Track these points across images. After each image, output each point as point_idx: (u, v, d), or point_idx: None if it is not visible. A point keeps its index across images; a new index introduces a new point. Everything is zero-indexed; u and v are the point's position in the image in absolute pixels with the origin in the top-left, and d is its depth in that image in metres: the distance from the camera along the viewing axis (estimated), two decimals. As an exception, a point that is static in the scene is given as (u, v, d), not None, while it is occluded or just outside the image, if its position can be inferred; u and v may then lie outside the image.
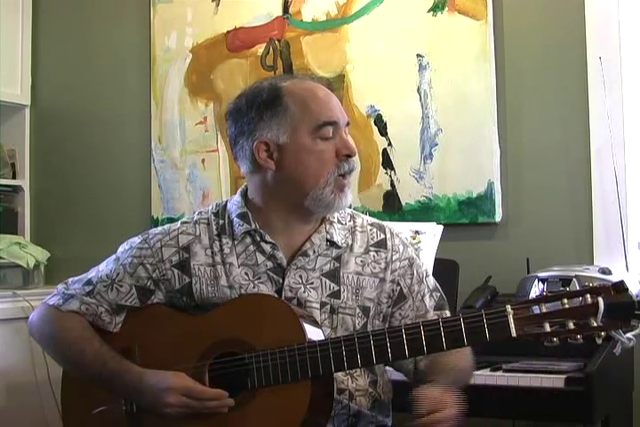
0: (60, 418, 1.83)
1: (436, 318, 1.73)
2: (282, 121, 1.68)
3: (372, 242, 1.77)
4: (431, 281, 1.82)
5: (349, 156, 1.69)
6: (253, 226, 1.72)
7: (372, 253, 1.76)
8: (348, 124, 1.74)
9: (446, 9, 2.84)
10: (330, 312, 1.70)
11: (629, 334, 1.50)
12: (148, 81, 3.40)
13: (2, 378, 3.03)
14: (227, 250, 1.73)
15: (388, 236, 1.79)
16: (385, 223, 1.84)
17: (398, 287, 1.77)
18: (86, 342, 1.72)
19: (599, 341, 1.45)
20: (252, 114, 1.70)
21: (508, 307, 1.48)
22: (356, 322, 1.71)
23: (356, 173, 2.93)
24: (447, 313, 1.80)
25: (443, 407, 1.51)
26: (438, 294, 1.82)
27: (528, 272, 2.49)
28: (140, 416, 1.67)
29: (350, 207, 1.82)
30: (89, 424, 1.72)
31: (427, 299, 1.79)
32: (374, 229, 1.79)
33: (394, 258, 1.77)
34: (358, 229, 1.78)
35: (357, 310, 1.71)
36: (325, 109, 1.69)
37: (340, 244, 1.74)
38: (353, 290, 1.72)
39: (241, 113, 1.72)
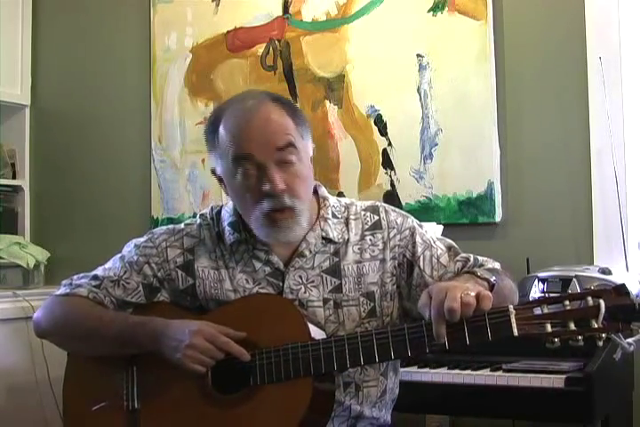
0: (60, 418, 1.83)
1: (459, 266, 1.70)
2: (216, 152, 1.67)
3: (367, 226, 1.75)
4: (445, 242, 1.77)
5: (269, 194, 1.59)
6: (243, 235, 1.73)
7: (367, 238, 1.74)
8: (285, 146, 1.59)
9: (446, 9, 2.84)
10: (334, 307, 1.69)
11: (630, 340, 1.51)
12: (147, 81, 3.40)
13: (2, 378, 3.03)
14: (227, 256, 1.74)
15: (382, 215, 1.76)
16: (379, 204, 1.80)
17: (404, 259, 1.73)
18: (102, 310, 1.74)
19: (600, 343, 1.45)
20: (205, 139, 1.71)
21: (511, 307, 1.48)
22: (361, 310, 1.70)
23: (355, 175, 2.96)
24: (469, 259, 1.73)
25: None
26: (456, 252, 1.75)
27: (528, 272, 2.49)
28: (141, 412, 1.67)
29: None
30: (89, 421, 1.72)
31: (444, 259, 1.72)
32: (367, 213, 1.77)
33: (391, 235, 1.74)
34: (352, 217, 1.76)
35: (361, 299, 1.71)
36: (241, 141, 1.58)
37: (336, 240, 1.72)
38: (354, 280, 1.71)
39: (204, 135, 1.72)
